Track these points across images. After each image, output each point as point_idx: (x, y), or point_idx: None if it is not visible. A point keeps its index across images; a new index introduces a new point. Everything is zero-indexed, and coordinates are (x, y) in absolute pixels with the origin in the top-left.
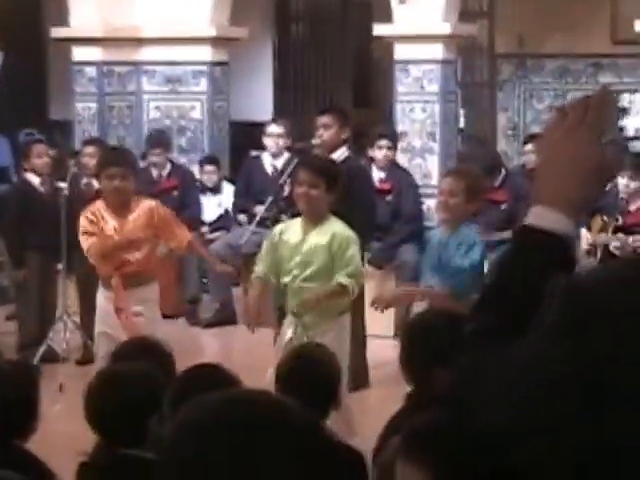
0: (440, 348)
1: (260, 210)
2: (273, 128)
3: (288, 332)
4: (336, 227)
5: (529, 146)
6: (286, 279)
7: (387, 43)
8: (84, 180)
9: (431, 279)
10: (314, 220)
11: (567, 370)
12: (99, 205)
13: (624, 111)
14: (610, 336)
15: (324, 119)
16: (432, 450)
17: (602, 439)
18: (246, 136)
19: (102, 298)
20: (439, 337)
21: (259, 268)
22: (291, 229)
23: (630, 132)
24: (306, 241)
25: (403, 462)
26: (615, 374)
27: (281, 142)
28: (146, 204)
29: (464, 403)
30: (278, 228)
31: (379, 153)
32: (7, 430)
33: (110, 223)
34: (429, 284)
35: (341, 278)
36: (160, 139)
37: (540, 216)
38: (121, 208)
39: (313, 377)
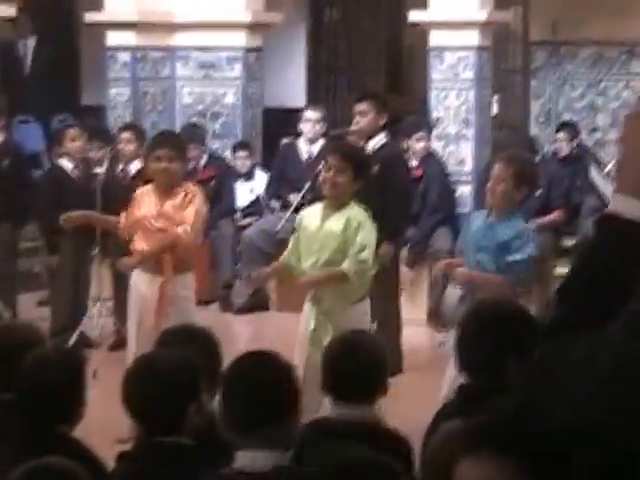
0: (503, 339)
1: (296, 197)
2: (310, 114)
3: (310, 322)
4: (352, 212)
5: (561, 134)
6: (305, 265)
7: (420, 29)
8: (120, 166)
9: (474, 260)
10: (335, 206)
11: None
12: (147, 188)
13: None
14: None
15: (362, 106)
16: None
17: None
18: (279, 122)
19: (140, 282)
20: (502, 328)
21: (286, 254)
22: (311, 215)
23: None
24: (324, 227)
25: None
26: None
27: (318, 128)
28: (189, 188)
29: (543, 395)
30: (300, 215)
31: (417, 145)
32: (52, 416)
33: (149, 205)
34: (472, 265)
35: (344, 264)
36: (194, 134)
37: (624, 205)
38: (165, 191)
39: (360, 365)
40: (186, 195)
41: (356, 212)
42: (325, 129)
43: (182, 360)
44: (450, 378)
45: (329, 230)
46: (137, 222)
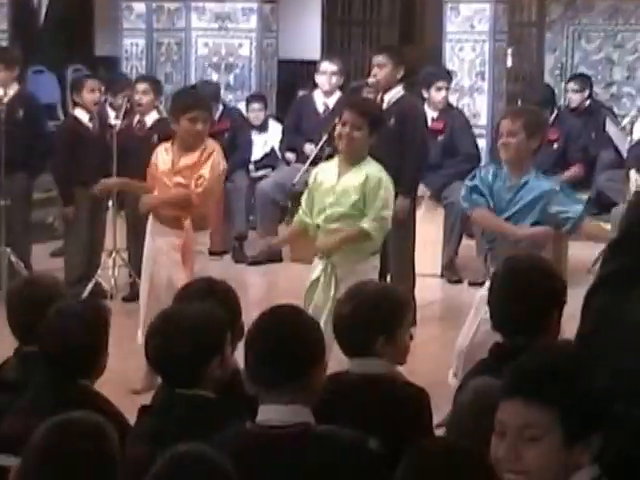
0: (539, 296)
1: (312, 149)
2: (327, 66)
3: (316, 271)
4: (371, 169)
5: (571, 84)
6: (319, 219)
7: None
8: (137, 117)
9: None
10: (351, 161)
11: None
12: (166, 145)
13: None
14: None
15: (379, 58)
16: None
17: None
18: (294, 74)
19: (155, 233)
20: (538, 285)
21: (300, 212)
22: (327, 170)
23: None
24: (340, 182)
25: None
26: None
27: (334, 80)
28: (207, 144)
29: (594, 353)
30: (314, 171)
31: (437, 95)
32: (75, 370)
33: (166, 161)
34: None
35: (365, 223)
36: (208, 92)
37: None
38: (187, 149)
39: (356, 315)
40: (204, 151)
41: (375, 169)
42: (341, 81)
43: (207, 314)
44: (468, 330)
45: (346, 185)
46: (155, 179)
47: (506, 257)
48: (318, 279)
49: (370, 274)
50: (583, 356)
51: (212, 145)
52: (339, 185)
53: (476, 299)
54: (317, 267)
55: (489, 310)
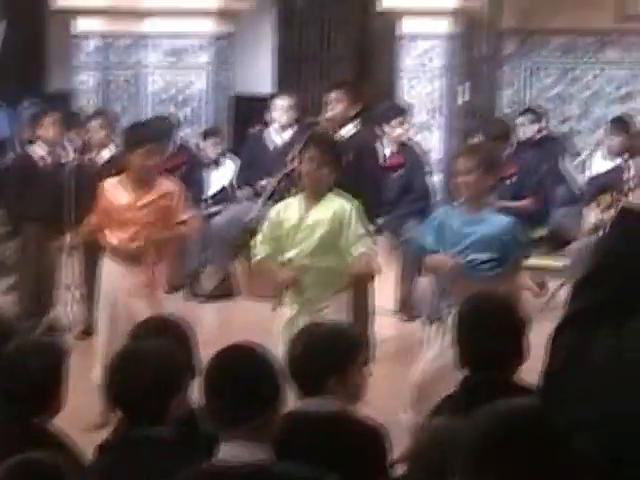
0: (503, 331)
1: (267, 184)
2: (281, 101)
3: (289, 309)
4: (338, 202)
5: (521, 118)
6: (289, 255)
7: (389, 17)
8: (93, 153)
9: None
10: (316, 197)
11: None
12: (116, 179)
13: None
14: None
15: (334, 94)
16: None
17: None
18: (248, 109)
19: (113, 273)
20: (501, 320)
21: (261, 251)
22: (290, 207)
23: None
24: (308, 217)
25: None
26: None
27: (288, 115)
28: (169, 186)
29: (558, 392)
30: (276, 208)
31: (395, 131)
32: (31, 407)
33: (124, 197)
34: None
35: (362, 249)
36: (164, 129)
37: None
38: (143, 184)
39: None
40: (170, 192)
41: (340, 201)
42: (295, 116)
43: (169, 352)
44: (422, 365)
45: (315, 220)
46: (110, 215)
47: (469, 295)
48: (294, 316)
49: (343, 310)
50: (548, 398)
51: (170, 183)
52: (307, 220)
53: (427, 335)
54: (290, 305)
55: (458, 347)
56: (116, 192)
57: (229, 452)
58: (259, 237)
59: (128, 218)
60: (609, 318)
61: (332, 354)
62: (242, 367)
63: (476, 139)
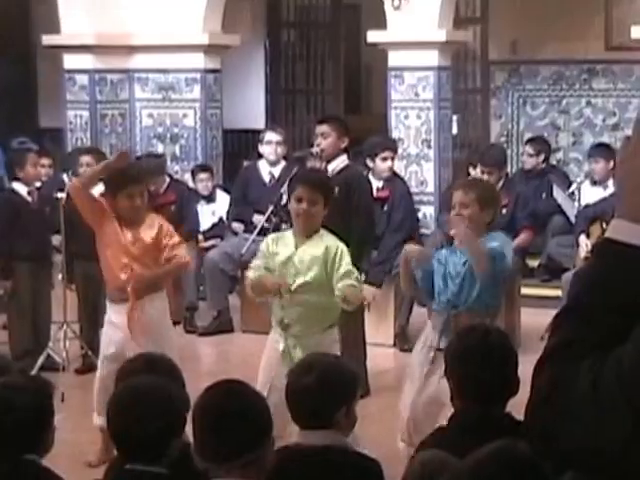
0: (493, 364)
1: (260, 219)
2: (271, 135)
3: (280, 344)
4: (328, 239)
5: (528, 147)
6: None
7: (378, 50)
8: None
9: (451, 291)
10: (307, 234)
11: None
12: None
13: None
14: None
15: (322, 128)
16: None
17: None
18: (239, 143)
19: (112, 314)
20: (493, 355)
21: (254, 275)
22: (281, 241)
23: None
24: (298, 254)
25: None
26: None
27: (279, 150)
28: (155, 219)
29: (541, 425)
30: (270, 238)
31: (382, 164)
32: (21, 445)
33: (122, 233)
34: (448, 297)
35: (351, 282)
36: (153, 167)
37: (623, 230)
38: (132, 223)
39: (316, 385)
40: (159, 227)
41: (332, 238)
42: (286, 151)
43: (173, 394)
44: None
45: (307, 256)
46: (115, 235)
47: (461, 328)
48: (283, 350)
49: (332, 347)
50: (531, 432)
51: (155, 216)
52: (297, 257)
53: (413, 365)
54: (279, 340)
55: (450, 381)
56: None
57: None
58: (252, 266)
59: (125, 249)
60: (591, 351)
61: (343, 386)
62: (227, 403)
63: (477, 170)
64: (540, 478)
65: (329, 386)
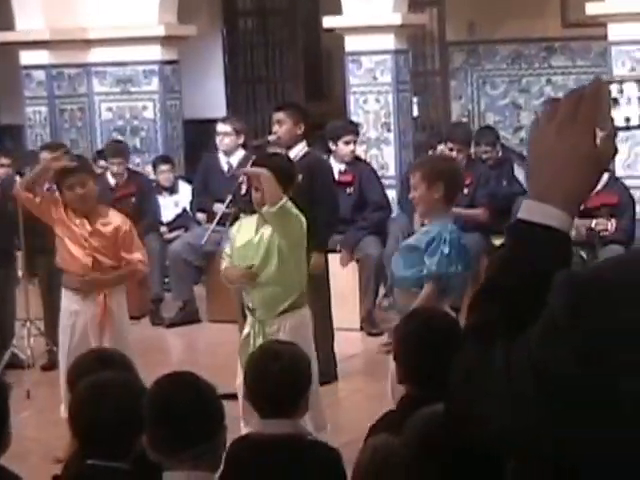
0: (437, 347)
1: (219, 208)
2: (221, 127)
3: (246, 329)
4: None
5: (480, 147)
6: None
7: (336, 35)
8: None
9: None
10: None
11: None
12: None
13: (615, 101)
14: (609, 328)
15: (279, 115)
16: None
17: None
18: (200, 134)
19: (72, 302)
20: (436, 337)
21: (223, 265)
22: (245, 226)
23: (619, 122)
24: (257, 235)
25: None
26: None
27: (229, 140)
28: (117, 218)
29: (461, 405)
30: (235, 226)
31: (345, 148)
32: None
33: (77, 226)
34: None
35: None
36: (120, 149)
37: (535, 211)
38: (89, 214)
39: (279, 377)
40: (118, 225)
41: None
42: (243, 140)
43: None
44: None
45: (262, 238)
46: (68, 227)
47: (408, 311)
48: (249, 334)
49: (300, 329)
50: (451, 412)
51: (118, 215)
52: (255, 238)
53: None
54: (247, 325)
55: (397, 364)
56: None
57: None
58: (224, 254)
59: (83, 240)
60: (505, 332)
61: (307, 374)
62: (179, 395)
63: (444, 147)
64: None
65: (296, 375)
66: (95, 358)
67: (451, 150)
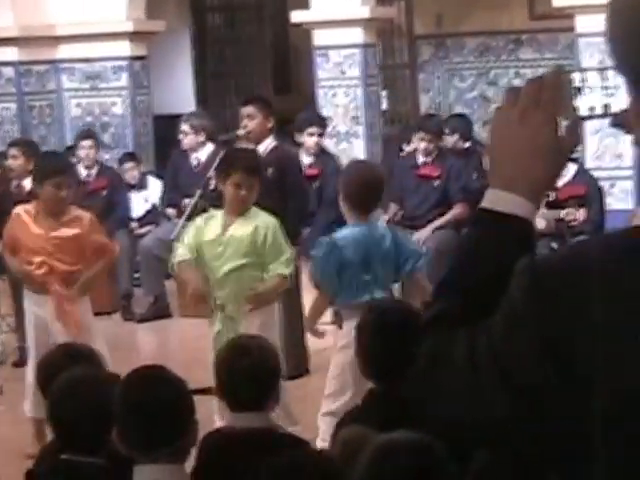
0: (400, 342)
1: (188, 204)
2: (182, 125)
3: (216, 326)
4: (259, 217)
5: (455, 136)
6: (209, 270)
7: (304, 29)
8: (15, 182)
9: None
10: (240, 214)
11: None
12: (26, 208)
13: (578, 90)
14: (568, 313)
15: (247, 109)
16: None
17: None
18: (170, 129)
19: (32, 303)
20: (397, 331)
21: (183, 251)
22: (213, 220)
23: (583, 112)
24: (228, 232)
25: None
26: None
27: (188, 140)
28: (83, 219)
29: (422, 396)
30: (199, 219)
31: (309, 140)
32: None
33: (35, 227)
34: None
35: (280, 269)
36: (90, 132)
37: (499, 200)
38: (53, 214)
39: (249, 371)
40: (82, 222)
41: (263, 217)
42: (208, 136)
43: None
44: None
45: (237, 235)
46: (19, 240)
47: (369, 305)
48: (219, 332)
49: (267, 327)
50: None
51: (83, 214)
52: (226, 236)
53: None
54: (216, 321)
55: (359, 359)
56: (29, 220)
57: (142, 475)
58: (180, 243)
59: (39, 247)
60: (466, 322)
61: (277, 368)
62: (149, 391)
63: (418, 136)
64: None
65: (267, 369)
66: (63, 354)
67: (422, 140)
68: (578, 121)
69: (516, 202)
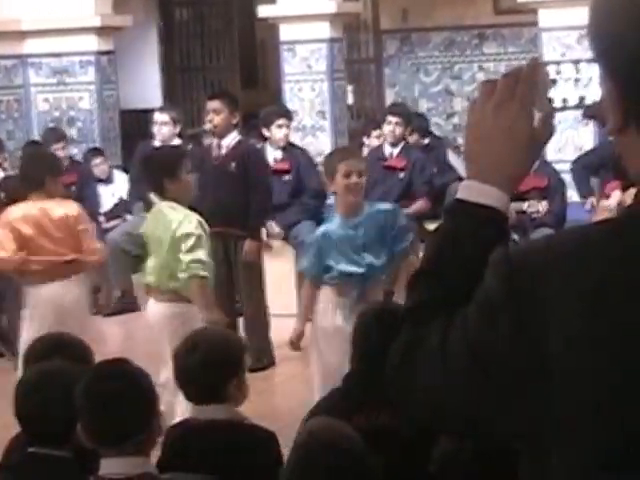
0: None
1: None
2: (159, 117)
3: None
4: (172, 213)
5: (415, 136)
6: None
7: (271, 24)
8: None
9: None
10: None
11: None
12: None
13: (554, 82)
14: (543, 299)
15: (213, 104)
16: None
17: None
18: (137, 123)
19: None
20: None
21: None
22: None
23: (557, 103)
24: (148, 232)
25: None
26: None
27: (166, 130)
28: (73, 210)
29: (399, 389)
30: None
31: (279, 132)
32: None
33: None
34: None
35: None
36: (60, 133)
37: (474, 191)
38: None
39: (201, 364)
40: (74, 214)
41: (176, 213)
42: (179, 129)
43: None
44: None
45: (154, 234)
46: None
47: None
48: None
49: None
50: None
51: (73, 205)
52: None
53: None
54: None
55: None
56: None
57: (108, 467)
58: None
59: (40, 244)
60: (441, 312)
61: (230, 360)
62: (109, 386)
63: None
64: None
65: (215, 362)
66: (51, 343)
67: (389, 124)
68: (553, 113)
69: (492, 194)
